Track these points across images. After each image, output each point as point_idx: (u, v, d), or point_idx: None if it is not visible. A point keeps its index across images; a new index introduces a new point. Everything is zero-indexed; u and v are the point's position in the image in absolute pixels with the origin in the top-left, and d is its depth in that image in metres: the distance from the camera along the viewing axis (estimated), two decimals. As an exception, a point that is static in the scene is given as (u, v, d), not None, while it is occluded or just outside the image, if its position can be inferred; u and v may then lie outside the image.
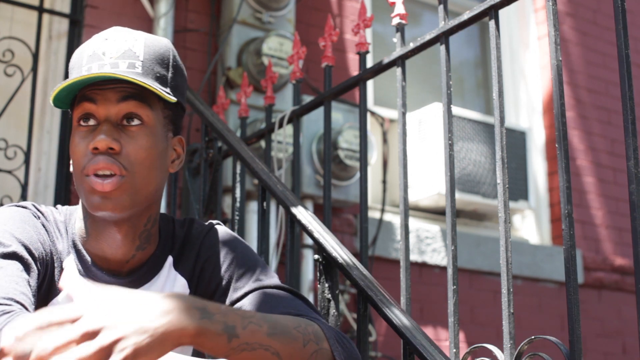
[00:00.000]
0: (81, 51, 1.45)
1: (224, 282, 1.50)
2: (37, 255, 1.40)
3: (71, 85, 1.39)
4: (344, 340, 1.37)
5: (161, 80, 1.43)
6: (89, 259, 1.46)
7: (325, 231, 2.02)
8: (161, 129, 1.45)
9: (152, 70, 1.42)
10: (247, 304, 1.46)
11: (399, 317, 1.75)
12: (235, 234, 1.59)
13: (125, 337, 1.09)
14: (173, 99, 1.43)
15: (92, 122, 1.41)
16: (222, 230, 1.58)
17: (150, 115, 1.42)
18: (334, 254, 1.94)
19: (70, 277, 1.46)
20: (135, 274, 1.48)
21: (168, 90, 1.44)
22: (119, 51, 1.41)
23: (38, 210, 1.48)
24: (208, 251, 1.53)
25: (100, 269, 1.46)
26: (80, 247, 1.47)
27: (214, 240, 1.54)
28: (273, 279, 1.50)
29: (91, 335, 1.09)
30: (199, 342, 1.16)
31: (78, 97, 1.43)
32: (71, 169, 1.49)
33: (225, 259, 1.52)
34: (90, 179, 1.38)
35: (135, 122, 1.41)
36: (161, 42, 1.48)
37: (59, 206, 1.54)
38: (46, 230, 1.46)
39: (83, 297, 1.45)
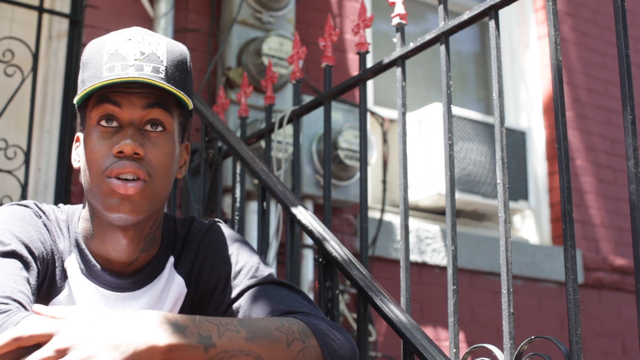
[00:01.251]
0: (99, 47, 1.43)
1: (222, 280, 1.50)
2: (37, 254, 1.40)
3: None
4: (335, 333, 1.36)
5: (181, 86, 1.43)
6: (92, 259, 1.46)
7: (325, 231, 2.02)
8: (177, 135, 1.46)
9: (174, 77, 1.42)
10: (243, 303, 1.46)
11: (399, 317, 1.75)
12: (234, 232, 1.60)
13: (95, 355, 1.12)
14: (192, 106, 1.45)
15: (114, 124, 1.40)
16: (221, 228, 1.58)
17: (171, 121, 1.43)
18: (334, 254, 1.94)
19: (72, 276, 1.46)
20: (138, 275, 1.48)
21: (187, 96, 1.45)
22: (143, 53, 1.40)
23: (40, 209, 1.48)
24: (205, 250, 1.53)
25: (103, 270, 1.46)
26: (84, 246, 1.47)
27: (211, 239, 1.54)
28: (268, 275, 1.50)
29: (62, 353, 1.12)
30: (173, 357, 1.17)
31: (97, 96, 1.41)
32: (76, 165, 1.48)
33: (222, 257, 1.52)
34: (111, 181, 1.37)
35: (159, 128, 1.41)
36: (180, 47, 1.47)
37: (60, 205, 1.54)
38: (47, 229, 1.46)
39: (83, 298, 1.45)
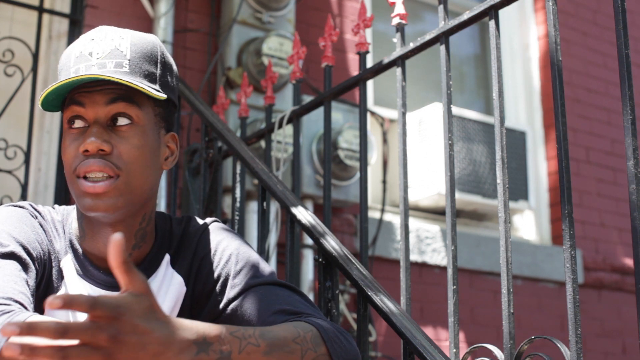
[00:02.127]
0: (69, 53, 1.45)
1: (221, 280, 1.50)
2: (35, 255, 1.40)
3: (59, 88, 1.39)
4: (341, 339, 1.37)
5: (150, 77, 1.42)
6: (86, 258, 1.46)
7: (325, 231, 2.02)
8: (152, 126, 1.44)
9: (140, 69, 1.41)
10: (242, 302, 1.46)
11: (399, 317, 1.75)
12: (232, 231, 1.59)
13: None
14: (162, 96, 1.42)
15: (81, 124, 1.41)
16: (220, 227, 1.57)
17: (139, 114, 1.41)
18: (334, 254, 1.94)
19: (68, 277, 1.46)
20: (132, 272, 1.48)
21: (157, 87, 1.43)
22: (105, 51, 1.40)
23: (35, 210, 1.48)
24: (204, 249, 1.53)
25: (97, 268, 1.46)
26: (77, 246, 1.47)
27: (210, 238, 1.54)
28: (269, 276, 1.50)
29: None
30: None
31: (67, 99, 1.42)
32: (65, 170, 1.49)
33: (221, 256, 1.51)
34: (81, 182, 1.38)
35: (125, 121, 1.40)
36: (148, 38, 1.46)
37: (56, 206, 1.54)
38: (44, 230, 1.46)
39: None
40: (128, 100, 1.40)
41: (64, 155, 1.42)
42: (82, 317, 1.42)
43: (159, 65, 1.45)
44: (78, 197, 1.39)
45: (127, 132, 1.40)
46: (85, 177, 1.38)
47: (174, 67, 1.52)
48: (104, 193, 1.37)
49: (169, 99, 1.47)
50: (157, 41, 1.48)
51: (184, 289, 1.51)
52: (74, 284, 1.45)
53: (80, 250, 1.47)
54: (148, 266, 1.50)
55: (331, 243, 1.97)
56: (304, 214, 2.09)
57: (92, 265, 1.46)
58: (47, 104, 1.43)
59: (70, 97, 1.41)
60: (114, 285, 1.46)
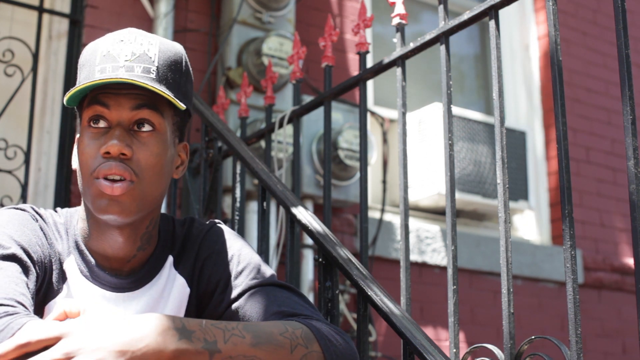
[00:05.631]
0: (94, 49, 1.44)
1: (222, 281, 1.50)
2: (35, 259, 1.40)
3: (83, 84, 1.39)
4: (337, 338, 1.37)
5: (173, 86, 1.43)
6: (91, 258, 1.47)
7: (325, 231, 2.02)
8: (170, 135, 1.45)
9: (166, 77, 1.41)
10: (243, 303, 1.46)
11: (399, 317, 1.75)
12: (235, 232, 1.60)
13: None
14: (184, 106, 1.44)
15: (103, 124, 1.41)
16: (222, 229, 1.58)
17: (161, 121, 1.42)
18: (334, 254, 1.94)
19: (72, 278, 1.46)
20: (136, 274, 1.48)
21: (179, 97, 1.44)
22: (134, 54, 1.40)
23: (37, 213, 1.48)
24: (207, 250, 1.53)
25: (102, 269, 1.47)
26: (83, 247, 1.47)
27: (213, 239, 1.55)
28: (269, 277, 1.51)
29: (69, 356, 1.13)
30: None
31: (89, 97, 1.42)
32: (74, 166, 1.48)
33: (223, 257, 1.52)
34: (99, 182, 1.38)
35: (147, 128, 1.41)
36: (175, 47, 1.47)
37: (58, 209, 1.54)
38: (44, 233, 1.46)
39: (81, 300, 1.45)
40: (152, 108, 1.41)
41: (81, 154, 1.41)
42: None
43: (182, 75, 1.46)
44: (93, 198, 1.39)
45: (148, 139, 1.41)
46: (104, 178, 1.38)
47: (192, 76, 1.52)
48: (120, 196, 1.37)
49: (186, 109, 1.47)
50: (182, 50, 1.49)
51: (188, 290, 1.52)
52: (79, 285, 1.45)
53: (86, 250, 1.47)
54: (152, 267, 1.50)
55: (331, 243, 1.97)
56: (304, 214, 2.09)
57: (98, 266, 1.46)
58: (69, 99, 1.43)
59: (93, 95, 1.41)
60: (119, 287, 1.46)
